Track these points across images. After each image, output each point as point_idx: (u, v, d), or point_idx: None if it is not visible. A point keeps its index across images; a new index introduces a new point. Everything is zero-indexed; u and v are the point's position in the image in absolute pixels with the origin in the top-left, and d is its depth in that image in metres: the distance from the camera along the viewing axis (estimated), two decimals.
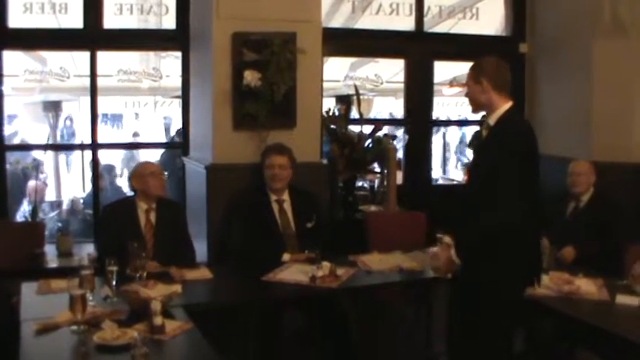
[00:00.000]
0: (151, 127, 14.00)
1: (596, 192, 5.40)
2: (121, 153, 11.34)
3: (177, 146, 7.27)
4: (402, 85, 7.33)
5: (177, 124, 10.21)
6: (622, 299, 3.97)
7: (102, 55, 6.35)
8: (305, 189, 5.22)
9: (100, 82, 6.38)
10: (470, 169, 4.05)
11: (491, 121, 3.85)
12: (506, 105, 3.82)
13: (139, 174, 4.74)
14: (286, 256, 4.78)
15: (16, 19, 6.20)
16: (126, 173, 9.35)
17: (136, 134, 12.86)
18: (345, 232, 5.81)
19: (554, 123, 6.83)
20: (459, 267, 3.82)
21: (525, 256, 3.81)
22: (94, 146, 6.45)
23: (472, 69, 3.96)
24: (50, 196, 9.46)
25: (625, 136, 6.29)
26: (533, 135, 3.84)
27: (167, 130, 13.98)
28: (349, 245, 5.16)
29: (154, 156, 9.43)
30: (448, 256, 3.84)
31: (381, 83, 9.20)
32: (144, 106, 10.91)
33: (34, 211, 6.51)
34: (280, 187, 5.05)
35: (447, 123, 12.47)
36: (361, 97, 6.86)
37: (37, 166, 9.28)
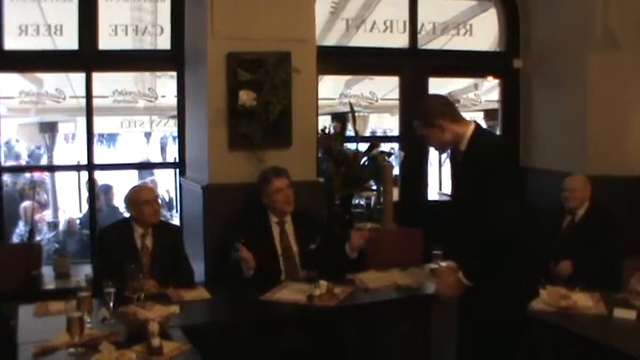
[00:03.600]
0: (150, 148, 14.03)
1: (592, 206, 5.42)
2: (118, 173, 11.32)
3: (174, 166, 7.27)
4: (397, 102, 7.35)
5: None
6: (619, 313, 3.98)
7: (97, 76, 6.37)
8: (306, 210, 5.23)
9: (96, 102, 6.40)
10: (452, 192, 4.08)
11: (462, 147, 3.87)
12: (470, 128, 3.84)
13: (133, 201, 4.73)
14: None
15: (11, 41, 6.22)
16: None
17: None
18: (342, 250, 5.80)
19: (548, 137, 6.86)
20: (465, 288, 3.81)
21: (524, 268, 3.85)
22: (91, 167, 6.45)
23: (420, 117, 3.92)
24: (47, 216, 9.43)
25: (619, 149, 6.32)
26: (504, 145, 3.88)
27: (163, 149, 14.00)
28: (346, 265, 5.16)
29: None
30: (456, 279, 3.83)
31: (376, 100, 9.20)
32: (140, 126, 10.89)
33: (31, 233, 6.50)
34: (290, 210, 5.06)
35: None
36: (356, 114, 6.86)
37: (33, 187, 9.28)
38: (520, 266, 3.81)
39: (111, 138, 15.41)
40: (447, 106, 3.89)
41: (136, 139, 14.80)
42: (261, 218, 5.07)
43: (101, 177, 9.71)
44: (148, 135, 13.94)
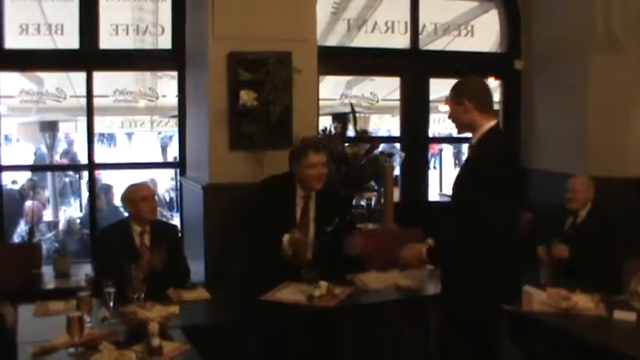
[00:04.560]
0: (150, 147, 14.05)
1: (594, 208, 5.41)
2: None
3: (174, 166, 7.28)
4: (398, 103, 7.35)
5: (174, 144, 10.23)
6: (619, 314, 3.98)
7: (98, 76, 6.37)
8: (331, 186, 5.06)
9: (97, 102, 6.39)
10: (454, 186, 4.10)
11: (474, 140, 3.86)
12: (490, 123, 3.82)
13: (130, 199, 4.72)
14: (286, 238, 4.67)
15: (12, 40, 6.22)
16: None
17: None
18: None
19: (550, 138, 6.86)
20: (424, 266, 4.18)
21: (501, 277, 3.80)
22: (91, 166, 6.45)
23: (453, 90, 3.94)
24: (47, 216, 9.45)
25: (620, 150, 6.31)
26: (510, 156, 3.89)
27: (164, 149, 14.02)
28: (347, 263, 5.15)
29: None
30: (420, 251, 3.97)
31: (377, 101, 9.23)
32: (140, 125, 10.91)
33: (31, 232, 6.50)
34: (320, 187, 4.83)
35: (444, 140, 12.50)
36: (357, 115, 6.86)
37: (33, 186, 9.29)
38: (497, 269, 3.76)
39: (111, 137, 15.44)
40: (480, 92, 3.88)
41: (137, 139, 14.82)
42: (289, 188, 4.86)
43: (106, 177, 9.78)
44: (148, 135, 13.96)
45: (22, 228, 7.84)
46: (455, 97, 3.89)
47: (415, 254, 4.02)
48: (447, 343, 4.11)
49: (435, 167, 16.38)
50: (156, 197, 5.05)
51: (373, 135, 7.95)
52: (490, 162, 3.71)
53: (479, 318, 3.78)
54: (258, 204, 4.92)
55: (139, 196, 4.70)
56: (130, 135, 14.67)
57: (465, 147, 10.46)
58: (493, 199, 3.61)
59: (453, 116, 3.93)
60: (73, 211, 10.90)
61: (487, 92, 3.92)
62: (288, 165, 4.92)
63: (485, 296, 3.76)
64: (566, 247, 5.13)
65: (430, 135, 7.88)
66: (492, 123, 3.83)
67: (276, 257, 4.67)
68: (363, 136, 6.47)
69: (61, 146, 13.75)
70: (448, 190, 9.94)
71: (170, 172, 11.51)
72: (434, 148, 17.31)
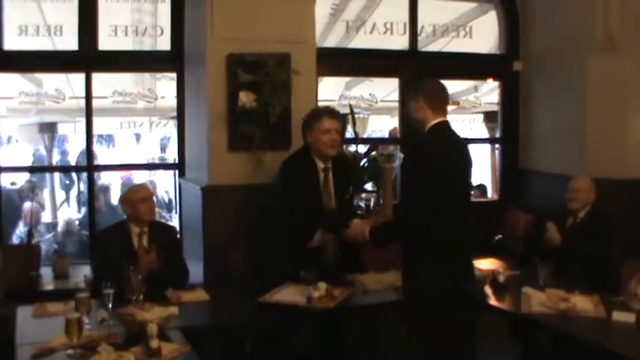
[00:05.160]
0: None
1: (593, 209, 5.41)
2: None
3: (173, 167, 7.27)
4: (397, 104, 7.35)
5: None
6: (618, 316, 3.98)
7: (97, 77, 6.37)
8: (343, 157, 5.19)
9: (96, 103, 6.39)
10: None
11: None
12: (432, 122, 4.09)
13: (128, 200, 4.73)
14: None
15: (11, 41, 6.22)
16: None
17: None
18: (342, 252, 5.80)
19: (548, 140, 6.86)
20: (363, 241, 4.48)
21: (449, 272, 4.02)
22: (90, 167, 6.45)
23: (411, 89, 4.31)
24: (46, 217, 9.44)
25: (620, 151, 6.30)
26: (451, 150, 4.09)
27: (163, 150, 14.01)
28: (346, 264, 5.15)
29: None
30: (363, 227, 4.45)
31: (376, 102, 9.22)
32: (139, 126, 10.90)
33: (30, 233, 6.49)
34: (334, 154, 4.86)
35: None
36: (356, 116, 6.86)
37: (32, 187, 9.27)
38: (446, 253, 4.00)
39: (110, 138, 15.42)
40: (435, 93, 4.17)
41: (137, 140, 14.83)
42: (309, 163, 4.86)
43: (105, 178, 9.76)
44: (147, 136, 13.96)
45: (20, 229, 7.83)
46: (412, 93, 4.23)
47: (358, 233, 4.46)
48: (411, 330, 4.27)
49: None
50: (154, 198, 5.05)
51: (373, 136, 7.98)
52: (423, 149, 4.12)
53: (433, 301, 3.99)
54: (284, 187, 4.92)
55: (137, 197, 4.70)
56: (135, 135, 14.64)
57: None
58: (421, 182, 3.97)
59: (408, 110, 4.25)
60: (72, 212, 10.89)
61: (441, 93, 4.21)
62: (303, 136, 4.97)
63: (437, 280, 3.99)
64: (558, 234, 5.19)
65: None
66: (439, 120, 4.11)
67: (303, 239, 4.78)
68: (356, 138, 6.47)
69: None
70: None
71: (169, 173, 11.51)
72: None
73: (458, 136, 4.28)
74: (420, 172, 4.01)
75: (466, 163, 4.19)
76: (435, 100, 4.12)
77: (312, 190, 4.80)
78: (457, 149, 4.14)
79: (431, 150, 4.03)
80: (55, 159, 12.15)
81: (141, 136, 14.61)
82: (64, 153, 13.06)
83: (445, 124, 4.15)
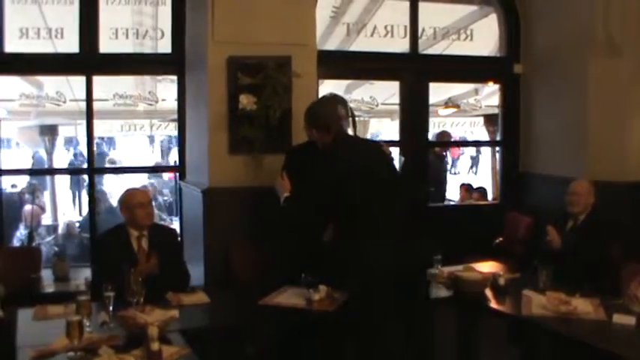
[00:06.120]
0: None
1: (593, 212, 5.40)
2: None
3: (174, 170, 7.28)
4: (397, 107, 7.34)
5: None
6: (618, 319, 3.96)
7: (98, 80, 6.36)
8: None
9: (96, 106, 6.38)
10: None
11: None
12: (333, 135, 4.34)
13: (126, 205, 4.69)
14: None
15: (12, 44, 6.23)
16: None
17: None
18: None
19: (549, 142, 6.86)
20: None
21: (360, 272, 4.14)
22: (91, 170, 6.45)
23: (304, 117, 4.63)
24: (46, 220, 9.45)
25: (620, 155, 6.30)
26: (349, 158, 4.28)
27: (164, 153, 14.03)
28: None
29: None
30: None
31: (377, 105, 9.23)
32: (140, 129, 10.92)
33: (31, 236, 6.49)
34: None
35: (443, 144, 12.47)
36: (357, 119, 6.85)
37: (33, 190, 9.29)
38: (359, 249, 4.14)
39: (110, 141, 15.44)
40: (322, 118, 4.45)
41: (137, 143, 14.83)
42: (312, 152, 4.80)
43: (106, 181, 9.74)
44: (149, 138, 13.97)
45: (21, 232, 7.84)
46: (305, 126, 4.62)
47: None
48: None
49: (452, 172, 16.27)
50: (153, 202, 5.02)
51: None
52: (321, 164, 4.31)
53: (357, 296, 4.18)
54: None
55: (134, 203, 4.65)
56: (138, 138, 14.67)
57: (467, 150, 10.47)
58: (315, 188, 4.22)
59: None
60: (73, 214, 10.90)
61: (326, 115, 4.47)
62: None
63: (355, 274, 4.16)
64: (558, 237, 5.18)
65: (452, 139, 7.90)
66: (336, 134, 4.36)
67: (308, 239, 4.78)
68: None
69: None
70: (450, 195, 9.98)
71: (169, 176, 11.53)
72: (453, 152, 17.06)
73: (357, 142, 4.62)
74: (316, 181, 4.23)
75: (371, 163, 4.31)
76: (325, 124, 4.37)
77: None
78: (355, 155, 4.30)
79: (327, 165, 4.27)
80: (68, 159, 12.18)
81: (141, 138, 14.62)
82: (76, 155, 13.09)
83: (342, 138, 4.40)
